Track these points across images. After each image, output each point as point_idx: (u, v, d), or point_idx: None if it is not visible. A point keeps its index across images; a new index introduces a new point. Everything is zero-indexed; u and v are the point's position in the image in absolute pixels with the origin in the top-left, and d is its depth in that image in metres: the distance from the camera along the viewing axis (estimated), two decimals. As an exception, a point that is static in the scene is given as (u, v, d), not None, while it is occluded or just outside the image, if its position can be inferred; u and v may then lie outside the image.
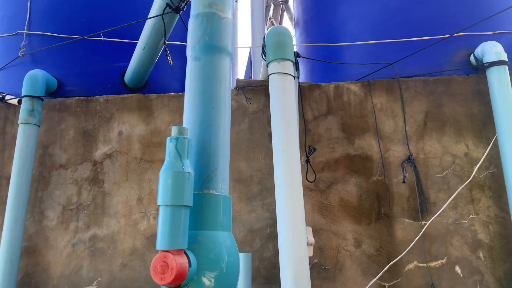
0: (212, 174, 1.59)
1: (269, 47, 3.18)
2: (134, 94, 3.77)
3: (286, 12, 6.76)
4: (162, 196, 1.42)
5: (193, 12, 1.81)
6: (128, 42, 4.02)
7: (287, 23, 7.12)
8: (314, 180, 3.40)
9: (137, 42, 3.61)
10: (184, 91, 4.36)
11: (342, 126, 3.54)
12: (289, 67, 3.12)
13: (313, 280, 3.18)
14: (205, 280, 1.43)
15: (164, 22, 2.65)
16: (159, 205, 1.44)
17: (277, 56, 3.10)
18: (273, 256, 3.26)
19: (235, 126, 3.60)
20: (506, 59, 3.28)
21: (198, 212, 1.52)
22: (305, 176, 3.39)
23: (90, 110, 3.74)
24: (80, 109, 3.76)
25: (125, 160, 3.59)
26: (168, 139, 1.49)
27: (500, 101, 3.20)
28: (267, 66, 3.21)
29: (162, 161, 3.58)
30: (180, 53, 4.30)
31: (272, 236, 3.30)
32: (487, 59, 3.33)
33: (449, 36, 3.64)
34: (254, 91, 3.71)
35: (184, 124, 1.68)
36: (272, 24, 6.71)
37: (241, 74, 7.11)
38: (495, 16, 3.71)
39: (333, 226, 3.31)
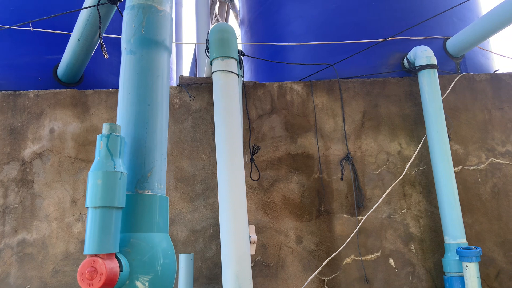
0: (147, 173, 1.52)
1: (212, 44, 3.14)
2: (68, 89, 3.54)
3: (232, 10, 6.73)
4: (91, 197, 1.33)
5: (128, 3, 1.72)
6: (61, 33, 3.76)
7: (232, 21, 7.11)
8: (258, 178, 3.42)
9: (71, 34, 3.40)
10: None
11: (285, 125, 3.59)
12: (233, 65, 3.10)
13: (255, 277, 3.20)
14: (139, 284, 1.36)
15: (99, 14, 2.51)
16: (87, 207, 1.35)
17: (220, 53, 3.06)
18: (216, 256, 3.22)
19: (178, 124, 3.52)
20: (436, 63, 3.51)
21: (132, 214, 1.45)
22: (249, 175, 3.39)
23: (18, 106, 3.45)
24: (7, 104, 3.46)
25: (57, 159, 3.36)
26: (98, 136, 1.40)
27: (430, 102, 3.42)
28: (211, 63, 3.16)
29: (99, 160, 3.40)
30: (119, 47, 4.12)
31: (215, 236, 3.26)
32: (419, 62, 3.55)
33: (384, 40, 3.82)
34: (198, 88, 3.65)
35: (118, 121, 1.60)
36: (218, 21, 6.64)
37: (186, 71, 6.97)
38: (426, 22, 3.97)
39: (276, 224, 3.35)
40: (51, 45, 3.77)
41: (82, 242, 3.20)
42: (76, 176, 3.34)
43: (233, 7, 6.71)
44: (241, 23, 5.64)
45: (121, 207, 1.37)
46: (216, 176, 3.40)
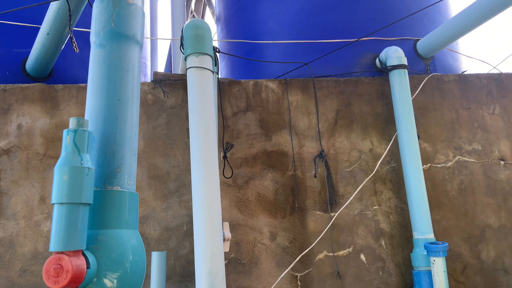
0: (116, 169, 1.50)
1: (187, 40, 3.11)
2: (36, 83, 3.44)
3: (208, 6, 6.69)
4: (57, 193, 1.30)
5: (98, -4, 1.69)
6: (30, 26, 3.65)
7: (209, 17, 7.06)
8: (231, 176, 3.42)
9: (40, 27, 3.29)
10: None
11: (260, 123, 3.60)
12: (207, 61, 3.08)
13: (229, 274, 3.20)
14: (107, 282, 1.34)
15: (69, 6, 2.44)
16: (53, 203, 1.32)
17: (195, 49, 3.03)
18: (189, 253, 3.21)
19: (152, 121, 3.48)
20: (406, 63, 3.61)
21: (100, 210, 1.42)
22: (222, 172, 3.39)
23: (-17, 100, 3.33)
24: (-29, 99, 3.32)
25: (25, 156, 3.26)
26: (65, 131, 1.37)
27: (400, 102, 3.50)
28: (185, 59, 3.13)
29: (70, 157, 3.32)
30: (88, 42, 4.03)
31: (189, 233, 3.25)
32: (390, 62, 3.63)
33: (357, 40, 3.89)
34: (173, 85, 3.61)
35: (87, 116, 1.56)
36: (194, 17, 6.58)
37: (161, 68, 6.87)
38: (398, 23, 4.06)
39: (250, 221, 3.36)
40: (20, 38, 3.65)
41: (51, 241, 3.12)
42: (44, 173, 3.25)
43: (210, 3, 6.67)
44: (217, 20, 5.62)
45: (89, 203, 1.35)
46: (190, 174, 3.38)
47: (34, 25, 3.61)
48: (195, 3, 6.50)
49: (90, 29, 4.06)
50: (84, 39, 4.04)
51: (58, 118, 3.38)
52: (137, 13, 1.71)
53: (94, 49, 1.62)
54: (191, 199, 3.33)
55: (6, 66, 3.61)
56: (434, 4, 3.49)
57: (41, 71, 3.53)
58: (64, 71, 3.89)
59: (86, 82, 4.03)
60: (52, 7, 2.80)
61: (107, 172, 1.49)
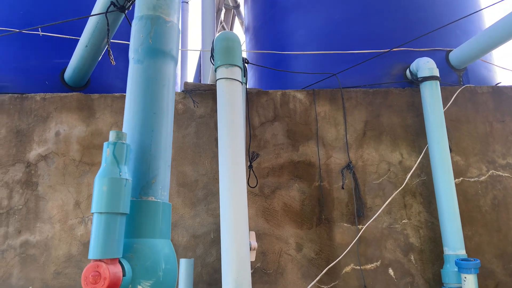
0: (151, 180, 1.56)
1: (217, 52, 3.18)
2: (74, 93, 3.60)
3: (238, 17, 6.80)
4: (97, 203, 1.37)
5: (137, 14, 1.77)
6: (69, 38, 3.82)
7: (238, 27, 7.18)
8: (256, 185, 3.44)
9: (78, 39, 3.45)
10: (129, 92, 4.22)
11: (287, 133, 3.63)
12: (237, 73, 3.14)
13: (255, 284, 3.22)
14: (141, 289, 1.40)
15: (108, 21, 2.56)
16: (93, 212, 1.39)
17: (225, 61, 3.10)
18: (216, 261, 3.25)
19: (182, 130, 3.56)
20: (438, 75, 3.55)
21: (136, 220, 1.49)
22: (247, 182, 3.42)
23: (25, 108, 3.51)
24: (14, 107, 3.51)
25: (62, 162, 3.40)
26: (105, 144, 1.44)
27: (432, 114, 3.44)
28: (215, 71, 3.21)
29: (103, 163, 3.44)
30: (125, 52, 4.17)
31: (215, 241, 3.29)
32: (421, 74, 3.58)
33: (388, 51, 3.86)
34: (202, 95, 3.69)
35: (124, 129, 1.64)
36: (223, 28, 6.71)
37: (190, 77, 7.03)
38: (429, 34, 4.01)
39: (276, 231, 3.37)
40: (59, 49, 3.83)
41: (84, 245, 3.23)
42: (80, 179, 3.39)
43: (239, 14, 6.78)
44: (246, 30, 5.70)
45: (126, 213, 1.41)
46: (218, 182, 3.44)
47: (73, 37, 3.79)
48: (224, 14, 6.62)
49: (124, 40, 4.21)
50: (119, 50, 4.20)
51: (93, 126, 3.52)
52: (173, 30, 1.78)
53: (133, 65, 1.70)
54: (218, 208, 3.39)
55: (46, 76, 3.79)
56: (466, 16, 3.42)
57: (78, 81, 3.69)
58: (100, 80, 4.05)
59: (121, 91, 4.17)
60: (91, 21, 2.94)
61: (143, 182, 1.55)
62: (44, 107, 3.52)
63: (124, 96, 3.62)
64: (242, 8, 6.86)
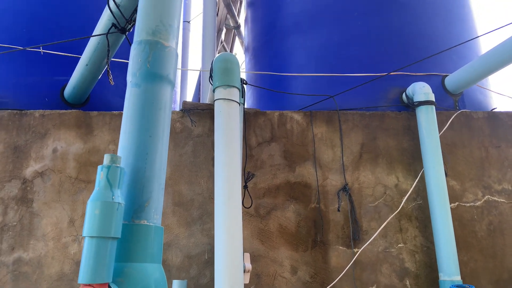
0: (144, 203, 1.56)
1: (216, 73, 3.23)
2: (73, 110, 3.62)
3: (238, 36, 6.90)
4: (88, 227, 1.37)
5: (136, 38, 1.81)
6: (70, 56, 3.88)
7: (238, 47, 7.29)
8: (250, 206, 3.44)
9: (79, 57, 3.50)
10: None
11: (284, 153, 3.64)
12: (235, 94, 3.18)
13: (248, 307, 3.18)
14: (130, 315, 1.38)
15: (108, 42, 2.60)
16: (84, 236, 1.39)
17: (223, 82, 3.14)
18: (209, 283, 3.21)
19: (179, 148, 3.57)
20: (434, 100, 3.59)
21: (127, 243, 1.48)
22: (242, 202, 3.42)
23: (24, 125, 3.53)
24: (13, 123, 3.53)
25: (58, 179, 3.40)
26: (99, 167, 1.45)
27: (427, 138, 3.47)
28: (213, 91, 3.24)
29: (100, 181, 3.44)
30: (124, 70, 4.22)
31: (210, 262, 3.27)
32: (417, 98, 3.62)
33: (385, 75, 3.91)
34: (200, 114, 3.72)
35: (119, 151, 1.65)
36: (224, 47, 6.80)
37: (190, 96, 7.08)
38: (425, 59, 4.07)
39: (271, 253, 3.35)
40: (59, 66, 3.88)
41: (77, 263, 3.20)
42: (75, 197, 3.38)
43: (239, 34, 6.89)
44: (246, 50, 5.78)
45: (117, 237, 1.41)
46: (213, 202, 3.43)
47: (74, 55, 3.84)
48: (225, 34, 6.72)
49: (124, 59, 4.26)
50: (119, 68, 4.24)
51: (91, 144, 3.53)
52: (171, 55, 1.81)
53: (130, 88, 1.73)
54: (213, 228, 3.37)
55: (46, 93, 3.83)
56: (462, 43, 3.48)
57: (78, 98, 3.73)
58: (99, 98, 4.08)
59: (120, 109, 4.20)
60: (92, 41, 2.99)
61: (136, 206, 1.55)
62: (42, 124, 3.54)
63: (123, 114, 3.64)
64: (242, 29, 6.98)
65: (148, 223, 1.56)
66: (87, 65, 3.20)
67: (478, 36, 3.52)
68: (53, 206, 3.33)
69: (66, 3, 4.09)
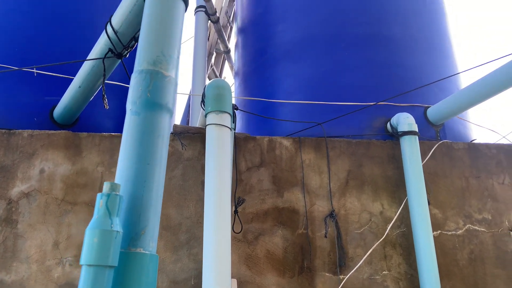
0: (141, 231, 1.58)
1: (208, 99, 3.29)
2: (62, 130, 3.61)
3: (228, 61, 7.03)
4: (86, 255, 1.38)
5: (137, 67, 1.86)
6: (61, 76, 3.89)
7: (227, 71, 7.43)
8: (240, 231, 3.45)
9: (70, 78, 3.52)
10: (118, 131, 4.25)
11: (273, 179, 3.69)
12: (226, 119, 3.24)
13: (234, 334, 3.15)
14: None
15: (104, 66, 2.65)
16: (81, 264, 1.39)
17: (215, 108, 3.20)
18: (195, 308, 3.18)
19: (168, 171, 3.58)
20: (417, 130, 3.72)
21: (123, 271, 1.49)
22: (231, 227, 3.43)
23: (11, 144, 3.49)
24: (1, 142, 3.49)
25: (44, 200, 3.36)
26: (98, 195, 1.47)
27: (411, 167, 3.58)
28: (205, 116, 3.30)
29: (86, 203, 3.41)
30: (116, 93, 4.25)
31: None
32: (401, 128, 3.75)
33: (372, 104, 4.05)
34: (191, 137, 3.76)
35: (117, 178, 1.67)
36: (213, 71, 6.92)
37: (178, 118, 7.12)
38: (410, 91, 4.24)
39: (258, 279, 3.35)
40: (50, 86, 3.88)
41: (61, 287, 3.13)
42: (61, 219, 3.33)
43: (229, 58, 7.02)
44: (236, 75, 5.89)
45: (114, 266, 1.42)
46: (201, 226, 3.43)
47: (66, 76, 3.85)
48: (215, 58, 6.84)
49: (115, 81, 4.29)
50: (110, 89, 4.26)
51: (79, 165, 3.51)
52: (171, 84, 1.87)
53: (130, 116, 1.77)
54: (201, 253, 3.36)
55: (35, 113, 3.81)
56: (444, 78, 3.67)
57: (68, 119, 3.72)
58: (89, 119, 4.08)
59: (110, 130, 4.21)
60: (87, 64, 3.02)
61: (132, 233, 1.57)
62: (30, 144, 3.51)
63: (112, 136, 3.65)
64: (232, 53, 7.12)
65: (144, 251, 1.57)
66: (80, 87, 3.22)
67: (459, 73, 3.72)
68: (38, 228, 3.27)
69: (58, 24, 4.13)
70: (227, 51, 6.99)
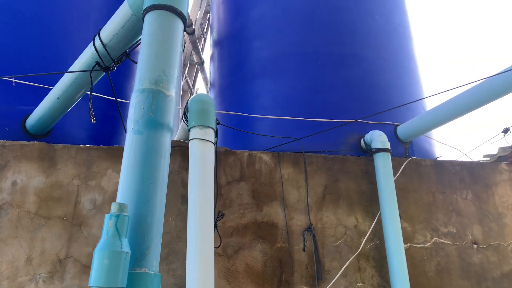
0: (145, 251, 1.58)
1: (192, 113, 3.30)
2: (36, 142, 3.48)
3: (201, 72, 7.05)
4: (96, 276, 1.37)
5: (138, 86, 1.86)
6: (34, 86, 3.75)
7: (200, 82, 7.44)
8: (219, 245, 3.46)
9: (45, 87, 3.42)
10: (92, 142, 4.15)
11: (252, 193, 3.74)
12: (210, 134, 3.26)
13: None
14: None
15: (92, 79, 2.61)
16: (90, 286, 1.38)
17: (199, 122, 3.22)
18: (176, 325, 3.15)
19: (147, 185, 3.54)
20: (389, 147, 3.93)
21: (129, 292, 1.49)
22: (214, 241, 3.44)
23: (-19, 155, 3.32)
24: (-32, 153, 3.31)
25: (16, 214, 3.21)
26: (107, 216, 1.46)
27: (384, 183, 3.77)
28: (189, 130, 3.30)
29: (61, 217, 3.30)
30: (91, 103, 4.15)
31: (176, 303, 3.21)
32: (375, 145, 3.94)
33: (347, 122, 4.23)
34: (171, 151, 3.73)
35: (120, 197, 1.66)
36: (187, 82, 6.90)
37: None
38: (380, 108, 4.46)
39: (238, 293, 3.37)
40: (23, 96, 3.73)
41: (33, 307, 2.99)
42: (34, 233, 3.20)
43: (202, 70, 7.04)
44: (212, 87, 5.92)
45: (123, 287, 1.42)
46: (181, 241, 3.41)
47: (41, 86, 3.72)
48: (188, 68, 6.83)
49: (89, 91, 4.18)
50: (83, 99, 4.16)
51: (54, 178, 3.39)
52: (172, 103, 1.89)
53: (132, 135, 1.77)
54: (180, 268, 3.34)
55: (6, 122, 3.65)
56: (412, 102, 3.92)
57: (41, 130, 3.60)
58: (62, 129, 3.95)
59: (83, 141, 4.09)
60: (69, 76, 2.96)
61: (137, 254, 1.56)
62: (2, 155, 3.35)
63: (90, 148, 3.56)
64: (206, 65, 7.15)
65: (148, 271, 1.57)
66: (59, 98, 3.13)
67: (425, 98, 4.00)
68: (10, 242, 3.11)
69: (35, 34, 3.99)
70: (201, 63, 7.01)
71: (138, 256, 1.57)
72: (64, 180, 3.42)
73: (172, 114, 1.89)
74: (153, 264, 1.60)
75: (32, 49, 3.92)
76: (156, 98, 1.82)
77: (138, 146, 1.73)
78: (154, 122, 1.78)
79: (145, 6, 2.04)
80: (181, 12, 2.04)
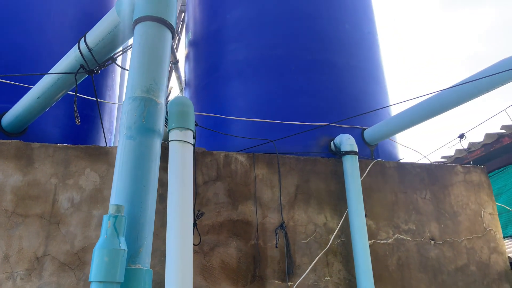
0: (139, 249, 1.71)
1: (172, 115, 3.41)
2: (13, 140, 3.47)
3: (175, 71, 7.10)
4: (96, 272, 1.49)
5: (130, 94, 1.97)
6: (12, 84, 3.73)
7: (173, 80, 7.48)
8: (199, 243, 3.61)
9: (22, 85, 3.42)
10: (66, 141, 4.16)
11: (228, 192, 3.90)
12: (189, 136, 3.39)
13: None
14: None
15: (76, 81, 2.67)
16: (91, 281, 1.50)
17: (179, 125, 3.34)
18: (154, 319, 3.26)
19: (126, 184, 3.62)
20: (357, 150, 4.20)
21: (125, 287, 1.61)
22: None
23: (-44, 153, 3.28)
24: None
25: (-7, 212, 3.21)
26: (105, 216, 1.58)
27: (351, 183, 4.03)
28: (168, 132, 3.42)
29: (38, 216, 3.33)
30: (66, 102, 4.16)
31: (154, 298, 3.32)
32: (344, 148, 4.21)
33: (318, 126, 4.46)
34: (148, 151, 3.82)
35: (115, 198, 1.78)
36: (161, 81, 6.94)
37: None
38: (349, 112, 4.74)
39: (214, 288, 3.52)
40: (0, 94, 3.70)
41: (11, 304, 3.02)
42: (11, 231, 3.21)
43: (176, 69, 7.09)
44: (187, 86, 6.01)
45: (120, 282, 1.55)
46: (158, 239, 3.52)
47: (26, 85, 3.70)
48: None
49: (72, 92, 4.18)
50: (62, 99, 4.16)
51: (31, 176, 3.41)
52: (162, 110, 2.02)
53: (125, 140, 1.88)
54: (157, 265, 3.45)
55: (-20, 119, 3.61)
56: (383, 108, 4.22)
57: (17, 128, 3.59)
58: (38, 127, 3.95)
59: (59, 139, 4.10)
60: (51, 77, 3.00)
61: (132, 251, 1.69)
62: (-22, 153, 3.33)
63: (67, 148, 3.59)
64: (180, 64, 7.21)
65: (142, 267, 1.71)
66: (39, 97, 3.16)
67: (390, 105, 4.31)
68: (-14, 242, 3.11)
69: (11, 31, 3.95)
70: (175, 62, 7.07)
71: (132, 254, 1.70)
72: (42, 179, 3.44)
73: (162, 120, 2.02)
74: (145, 260, 1.74)
75: (6, 46, 3.88)
76: (147, 105, 1.94)
77: (132, 151, 1.85)
78: (146, 129, 1.91)
79: (136, 17, 2.15)
80: (170, 23, 2.17)
